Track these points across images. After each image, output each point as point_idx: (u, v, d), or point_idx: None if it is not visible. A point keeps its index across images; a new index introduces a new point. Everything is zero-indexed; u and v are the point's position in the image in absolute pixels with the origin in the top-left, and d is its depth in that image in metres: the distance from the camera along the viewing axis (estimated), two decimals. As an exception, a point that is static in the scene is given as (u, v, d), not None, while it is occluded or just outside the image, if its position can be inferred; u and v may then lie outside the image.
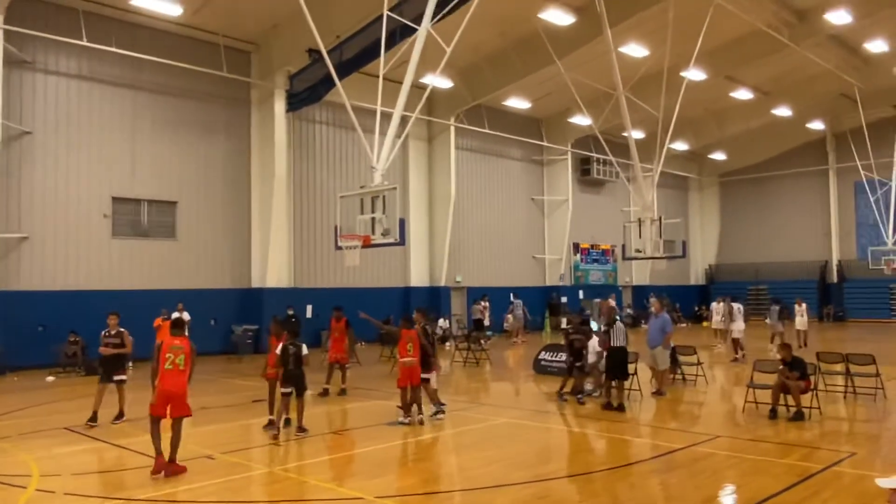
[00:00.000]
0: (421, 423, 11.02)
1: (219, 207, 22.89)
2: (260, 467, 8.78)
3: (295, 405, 10.48)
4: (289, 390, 10.24)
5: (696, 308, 39.09)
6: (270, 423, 10.66)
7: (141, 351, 18.42)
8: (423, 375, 11.27)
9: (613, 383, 12.34)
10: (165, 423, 8.30)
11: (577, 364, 13.04)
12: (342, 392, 14.14)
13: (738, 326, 19.75)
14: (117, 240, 20.76)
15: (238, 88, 23.23)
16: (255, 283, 23.36)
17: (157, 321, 18.53)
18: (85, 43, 19.15)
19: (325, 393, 13.98)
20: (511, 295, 29.91)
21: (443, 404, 11.60)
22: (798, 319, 22.33)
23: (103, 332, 11.49)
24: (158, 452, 8.17)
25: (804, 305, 22.58)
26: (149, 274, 21.23)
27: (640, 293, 36.48)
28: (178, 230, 22.03)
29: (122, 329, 11.49)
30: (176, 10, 20.24)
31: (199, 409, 12.83)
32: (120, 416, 11.32)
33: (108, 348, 11.31)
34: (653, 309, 14.24)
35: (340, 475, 8.57)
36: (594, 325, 14.54)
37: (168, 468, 8.09)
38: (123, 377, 11.60)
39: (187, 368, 8.42)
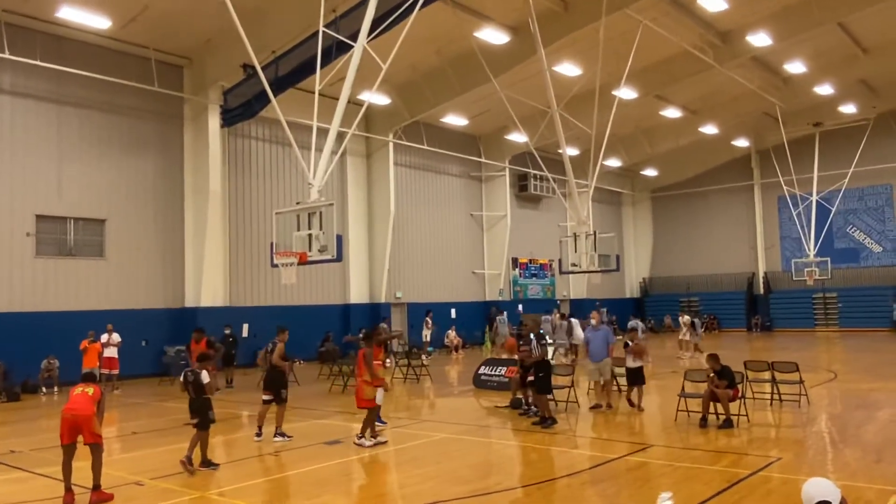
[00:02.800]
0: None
1: (150, 225, 22.28)
2: (192, 492, 8.52)
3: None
4: (193, 421, 9.35)
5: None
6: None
7: (69, 374, 17.84)
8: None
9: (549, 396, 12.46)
10: (85, 451, 7.98)
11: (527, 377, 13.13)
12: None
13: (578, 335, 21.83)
14: (41, 259, 19.95)
15: (170, 103, 22.73)
16: (189, 303, 22.77)
17: (84, 343, 17.93)
18: (7, 56, 18.46)
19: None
20: (494, 310, 30.45)
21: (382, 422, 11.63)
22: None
23: None
24: (67, 487, 7.83)
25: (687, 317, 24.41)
26: (76, 295, 20.44)
27: (578, 306, 37.10)
28: (106, 249, 21.32)
29: None
30: (104, 23, 19.73)
31: (130, 433, 12.48)
32: None
33: None
34: (593, 322, 14.36)
35: (277, 497, 8.40)
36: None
37: (92, 496, 7.79)
38: None
39: (95, 399, 8.10)
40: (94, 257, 21.07)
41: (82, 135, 20.87)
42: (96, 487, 7.86)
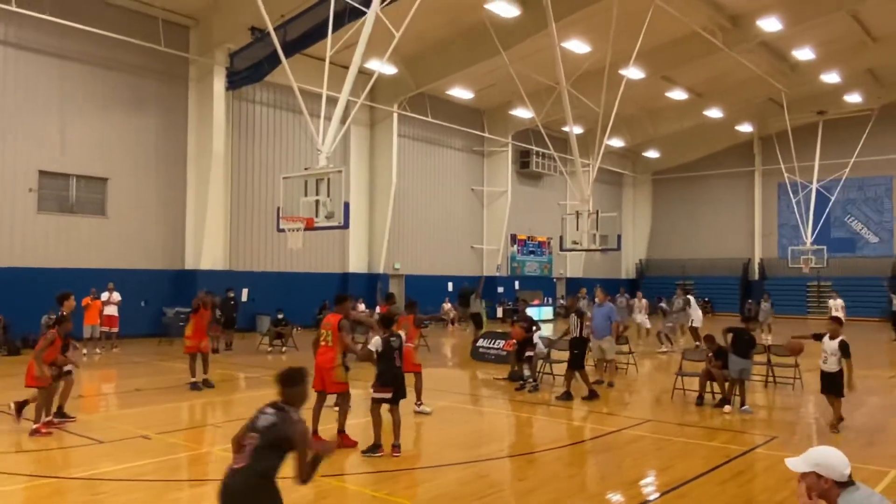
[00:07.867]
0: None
1: (152, 185, 22.23)
2: (198, 447, 8.66)
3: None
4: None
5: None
6: None
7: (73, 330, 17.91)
8: None
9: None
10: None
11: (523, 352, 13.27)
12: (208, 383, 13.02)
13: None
14: (43, 215, 19.92)
15: (176, 64, 22.53)
16: (189, 265, 22.82)
17: (86, 300, 17.98)
18: (14, 8, 18.22)
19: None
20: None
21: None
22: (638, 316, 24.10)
23: None
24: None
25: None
26: (76, 252, 20.45)
27: (574, 285, 37.26)
28: (108, 207, 21.29)
29: None
30: (112, -21, 19.50)
31: (133, 390, 12.59)
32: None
33: None
34: (597, 299, 14.39)
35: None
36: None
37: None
38: None
39: None
40: (96, 215, 21.06)
41: (86, 91, 20.72)
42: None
